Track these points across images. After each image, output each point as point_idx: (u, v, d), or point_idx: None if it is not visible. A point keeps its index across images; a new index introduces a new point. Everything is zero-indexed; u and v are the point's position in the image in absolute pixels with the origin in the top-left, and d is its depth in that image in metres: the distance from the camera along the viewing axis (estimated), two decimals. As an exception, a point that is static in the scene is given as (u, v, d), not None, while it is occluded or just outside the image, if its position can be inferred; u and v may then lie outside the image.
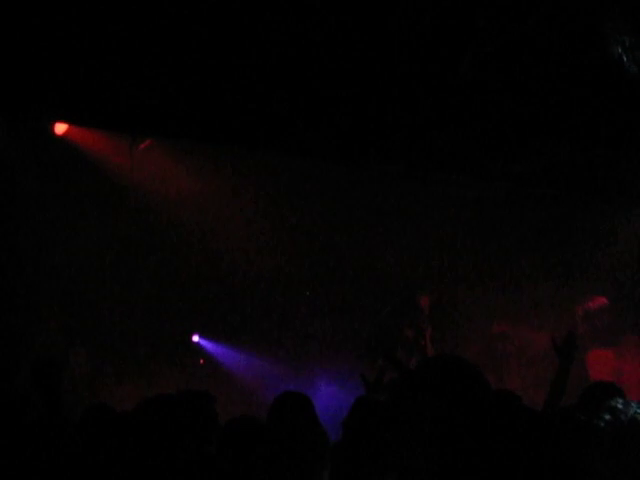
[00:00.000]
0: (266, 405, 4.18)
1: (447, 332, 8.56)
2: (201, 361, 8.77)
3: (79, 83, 5.97)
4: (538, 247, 8.94)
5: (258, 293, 8.67)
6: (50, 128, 7.79)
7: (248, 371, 8.05)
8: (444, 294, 8.73)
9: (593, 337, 8.44)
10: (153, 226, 8.43)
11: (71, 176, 8.11)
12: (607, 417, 3.22)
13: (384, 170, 7.91)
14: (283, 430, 3.60)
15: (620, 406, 3.25)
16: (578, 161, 7.19)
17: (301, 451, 3.53)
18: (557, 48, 6.01)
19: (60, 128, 7.80)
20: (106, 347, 8.43)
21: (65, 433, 3.68)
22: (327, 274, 8.64)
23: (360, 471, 3.45)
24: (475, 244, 8.96)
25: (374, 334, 7.39)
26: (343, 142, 6.79)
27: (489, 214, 8.80)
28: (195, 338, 8.71)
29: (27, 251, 7.88)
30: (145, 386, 7.87)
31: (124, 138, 7.97)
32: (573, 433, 3.43)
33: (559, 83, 6.18)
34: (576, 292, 8.75)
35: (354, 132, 6.63)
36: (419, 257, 8.92)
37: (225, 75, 5.96)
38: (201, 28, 5.71)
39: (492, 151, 7.01)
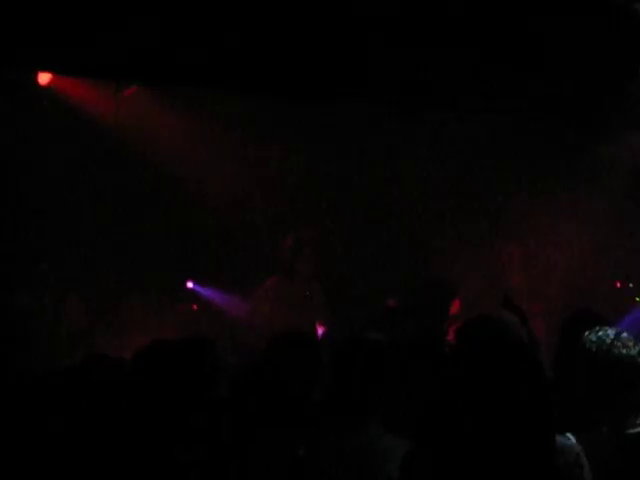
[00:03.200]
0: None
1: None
2: (194, 307, 8.76)
3: (62, 29, 5.89)
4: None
5: (252, 237, 8.62)
6: (34, 78, 7.72)
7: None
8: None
9: None
10: (142, 173, 8.37)
11: (56, 125, 8.03)
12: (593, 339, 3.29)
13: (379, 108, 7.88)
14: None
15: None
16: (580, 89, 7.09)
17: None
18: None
19: (44, 78, 7.72)
20: (100, 297, 8.42)
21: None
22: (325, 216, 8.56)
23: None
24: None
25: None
26: (331, 79, 6.71)
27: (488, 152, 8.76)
28: (189, 284, 8.69)
29: (16, 195, 7.85)
30: (140, 335, 7.88)
31: (109, 85, 7.91)
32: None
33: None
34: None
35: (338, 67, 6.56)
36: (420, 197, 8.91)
37: (210, 15, 5.88)
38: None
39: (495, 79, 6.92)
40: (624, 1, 6.21)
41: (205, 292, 8.71)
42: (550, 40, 6.37)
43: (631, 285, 9.41)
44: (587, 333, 3.33)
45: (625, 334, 3.30)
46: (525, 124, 8.23)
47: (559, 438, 2.75)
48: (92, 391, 3.30)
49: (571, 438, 3.09)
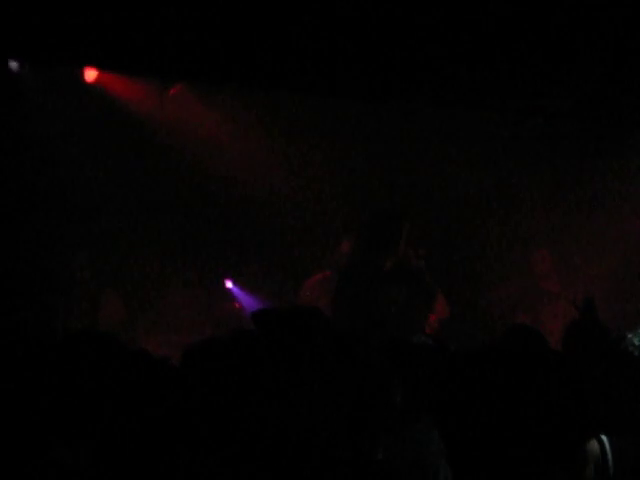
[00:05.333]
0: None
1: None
2: (237, 305, 8.72)
3: (107, 26, 5.94)
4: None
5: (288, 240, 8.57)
6: (80, 75, 7.78)
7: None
8: None
9: None
10: (186, 171, 8.38)
11: (100, 121, 8.09)
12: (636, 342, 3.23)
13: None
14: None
15: None
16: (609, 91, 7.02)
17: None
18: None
19: (90, 75, 7.79)
20: (138, 293, 8.44)
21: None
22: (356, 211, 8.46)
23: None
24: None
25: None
26: (363, 79, 6.72)
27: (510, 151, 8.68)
28: (228, 284, 8.67)
29: (57, 191, 7.90)
30: (177, 333, 7.90)
31: (154, 83, 7.96)
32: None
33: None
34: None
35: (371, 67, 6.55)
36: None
37: (252, 14, 5.89)
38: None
39: (519, 82, 6.87)
40: None
41: (240, 295, 8.66)
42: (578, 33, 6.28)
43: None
44: (630, 335, 3.27)
45: None
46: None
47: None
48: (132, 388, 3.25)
49: (604, 440, 3.07)
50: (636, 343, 3.22)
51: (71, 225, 7.99)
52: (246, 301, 8.52)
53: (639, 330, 3.29)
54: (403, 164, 8.77)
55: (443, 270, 8.04)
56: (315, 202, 8.64)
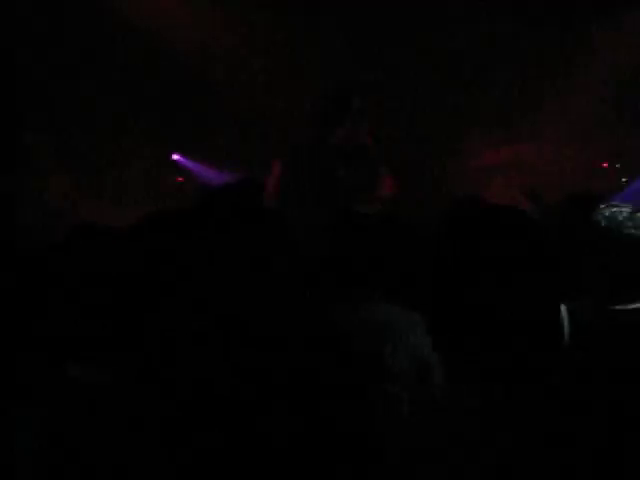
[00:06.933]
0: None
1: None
2: (179, 179, 8.70)
3: None
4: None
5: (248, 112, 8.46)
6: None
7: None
8: None
9: None
10: (138, 43, 8.16)
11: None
12: (606, 214, 3.23)
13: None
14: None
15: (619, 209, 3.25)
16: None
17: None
18: None
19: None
20: (85, 170, 8.34)
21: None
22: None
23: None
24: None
25: None
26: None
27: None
28: (175, 156, 8.60)
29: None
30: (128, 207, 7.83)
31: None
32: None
33: None
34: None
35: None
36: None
37: None
38: None
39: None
40: None
41: (191, 165, 8.63)
42: None
43: (618, 166, 9.44)
44: (602, 207, 3.26)
45: None
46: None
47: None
48: (80, 262, 3.20)
49: (562, 308, 3.13)
50: (606, 214, 3.23)
51: (18, 101, 7.81)
52: (197, 170, 8.50)
53: (611, 204, 3.29)
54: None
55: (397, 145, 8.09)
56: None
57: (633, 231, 3.20)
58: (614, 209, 3.25)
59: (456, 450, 2.04)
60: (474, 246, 2.05)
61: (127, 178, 8.39)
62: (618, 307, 3.19)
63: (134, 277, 2.97)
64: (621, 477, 2.04)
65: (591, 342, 3.07)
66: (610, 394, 2.23)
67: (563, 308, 3.15)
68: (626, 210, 3.24)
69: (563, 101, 8.66)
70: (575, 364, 2.84)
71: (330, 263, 3.45)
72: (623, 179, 9.23)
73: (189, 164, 8.60)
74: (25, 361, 2.91)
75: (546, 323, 2.10)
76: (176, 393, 2.62)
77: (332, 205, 6.15)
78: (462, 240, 2.07)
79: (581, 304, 3.19)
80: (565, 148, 9.03)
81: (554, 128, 8.92)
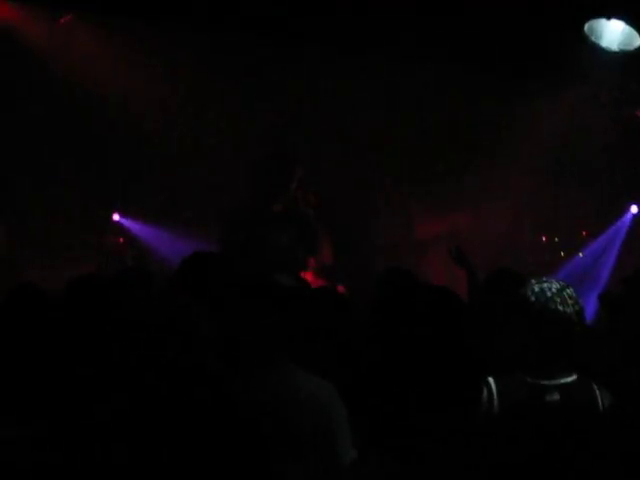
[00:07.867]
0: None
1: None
2: (120, 240, 8.66)
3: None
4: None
5: (184, 170, 8.48)
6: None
7: (173, 253, 7.83)
8: None
9: None
10: (72, 101, 8.16)
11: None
12: (536, 289, 3.28)
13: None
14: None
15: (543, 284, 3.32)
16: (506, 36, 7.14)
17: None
18: None
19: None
20: (22, 224, 8.28)
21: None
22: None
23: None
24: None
25: None
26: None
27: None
28: (115, 217, 8.58)
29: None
30: (63, 267, 7.77)
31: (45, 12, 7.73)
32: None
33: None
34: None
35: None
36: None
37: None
38: None
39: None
40: None
41: (132, 225, 8.61)
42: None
43: (556, 239, 9.60)
44: (533, 281, 3.30)
45: (570, 290, 3.28)
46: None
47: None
48: (18, 323, 3.23)
49: (490, 381, 3.20)
50: (536, 289, 3.27)
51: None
52: (138, 230, 8.48)
53: (542, 279, 3.32)
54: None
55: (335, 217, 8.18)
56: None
57: (560, 307, 3.23)
58: (544, 284, 3.29)
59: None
60: (398, 322, 2.12)
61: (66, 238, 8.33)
62: (543, 382, 3.26)
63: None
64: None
65: (519, 412, 3.16)
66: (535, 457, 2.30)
67: (492, 380, 3.25)
68: (555, 286, 3.28)
69: (501, 174, 8.82)
70: (502, 431, 2.93)
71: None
72: (562, 253, 9.39)
73: (130, 225, 8.57)
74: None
75: (466, 395, 2.17)
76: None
77: (274, 271, 6.21)
78: (388, 316, 2.14)
79: (510, 378, 3.28)
80: (502, 220, 9.15)
81: (492, 200, 9.07)
